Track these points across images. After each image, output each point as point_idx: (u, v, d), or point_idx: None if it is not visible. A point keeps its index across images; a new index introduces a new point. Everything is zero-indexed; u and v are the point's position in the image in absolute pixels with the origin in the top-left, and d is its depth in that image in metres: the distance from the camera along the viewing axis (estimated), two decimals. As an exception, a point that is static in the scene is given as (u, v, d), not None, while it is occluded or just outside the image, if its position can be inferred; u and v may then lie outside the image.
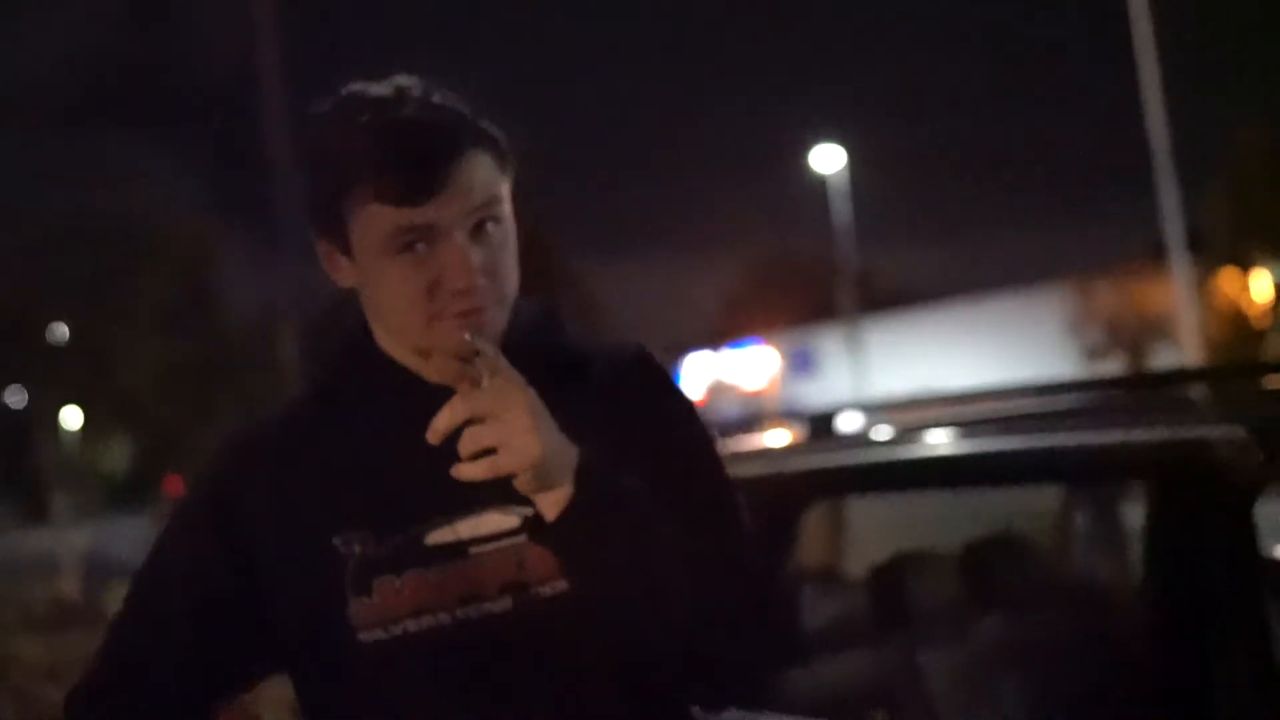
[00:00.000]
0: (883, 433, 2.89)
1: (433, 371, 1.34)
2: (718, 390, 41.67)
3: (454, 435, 1.25)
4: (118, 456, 31.21)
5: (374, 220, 1.27)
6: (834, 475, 2.75)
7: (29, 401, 34.37)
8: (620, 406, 1.36)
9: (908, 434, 2.78)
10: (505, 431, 1.20)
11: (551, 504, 1.24)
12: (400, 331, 1.33)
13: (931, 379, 35.01)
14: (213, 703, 1.42)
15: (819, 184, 30.47)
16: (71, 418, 33.16)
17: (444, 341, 1.29)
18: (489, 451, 1.21)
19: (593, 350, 1.43)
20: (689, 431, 1.43)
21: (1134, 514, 2.86)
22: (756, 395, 41.57)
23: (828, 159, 29.94)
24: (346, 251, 1.32)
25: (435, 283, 1.27)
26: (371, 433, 1.34)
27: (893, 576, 3.09)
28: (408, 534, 1.29)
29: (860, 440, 2.88)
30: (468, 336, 1.26)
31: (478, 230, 1.28)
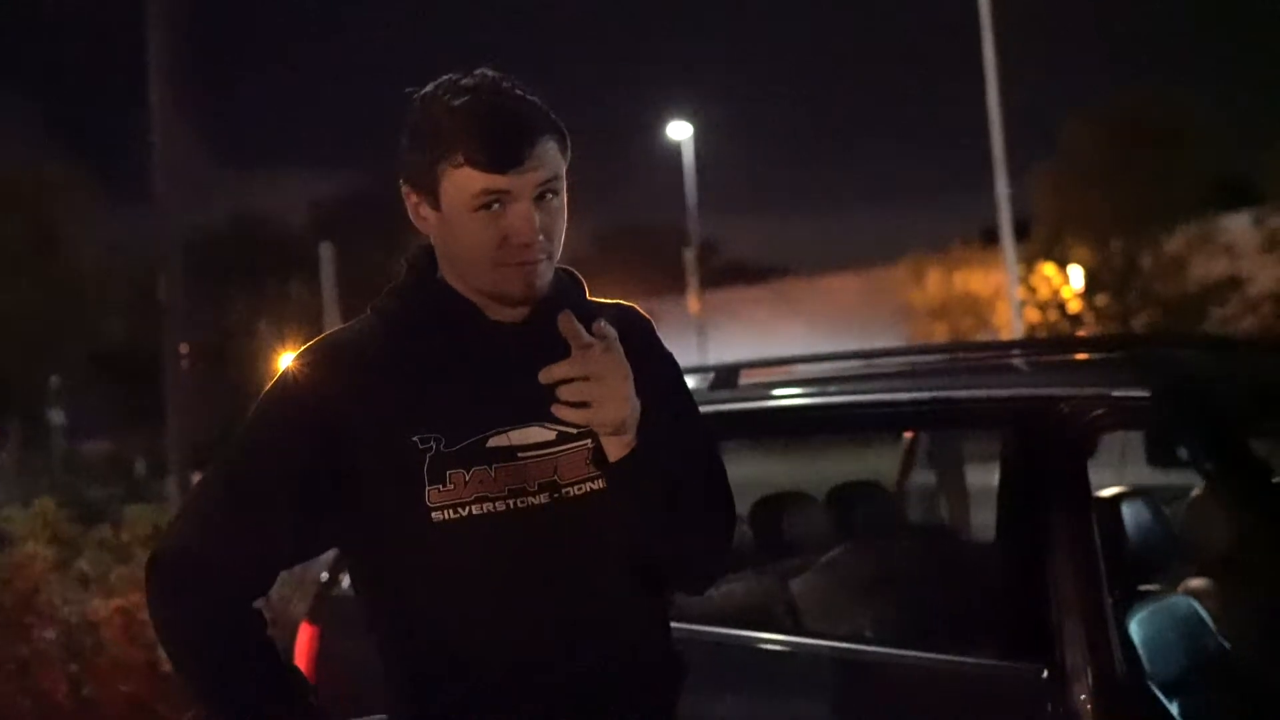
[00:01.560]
0: (768, 386, 3.28)
1: (492, 309, 1.67)
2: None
3: (514, 365, 1.61)
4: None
5: (464, 181, 1.58)
6: (730, 419, 3.14)
7: None
8: (638, 358, 1.63)
9: (792, 386, 3.18)
10: (604, 394, 1.54)
11: (617, 448, 1.60)
12: (469, 274, 1.65)
13: (766, 352, 35.90)
14: (275, 574, 1.72)
15: (672, 155, 30.90)
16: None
17: (504, 286, 1.62)
18: (584, 404, 1.54)
19: (609, 309, 1.77)
20: (682, 382, 1.85)
21: (981, 456, 3.31)
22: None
23: (679, 130, 30.40)
24: (435, 206, 1.63)
25: (504, 237, 1.59)
26: (442, 353, 1.65)
27: (771, 511, 3.52)
28: (473, 438, 1.61)
29: (750, 392, 3.26)
30: (602, 323, 1.56)
31: (540, 199, 1.60)
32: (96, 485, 17.73)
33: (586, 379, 1.54)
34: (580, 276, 1.80)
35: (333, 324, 17.83)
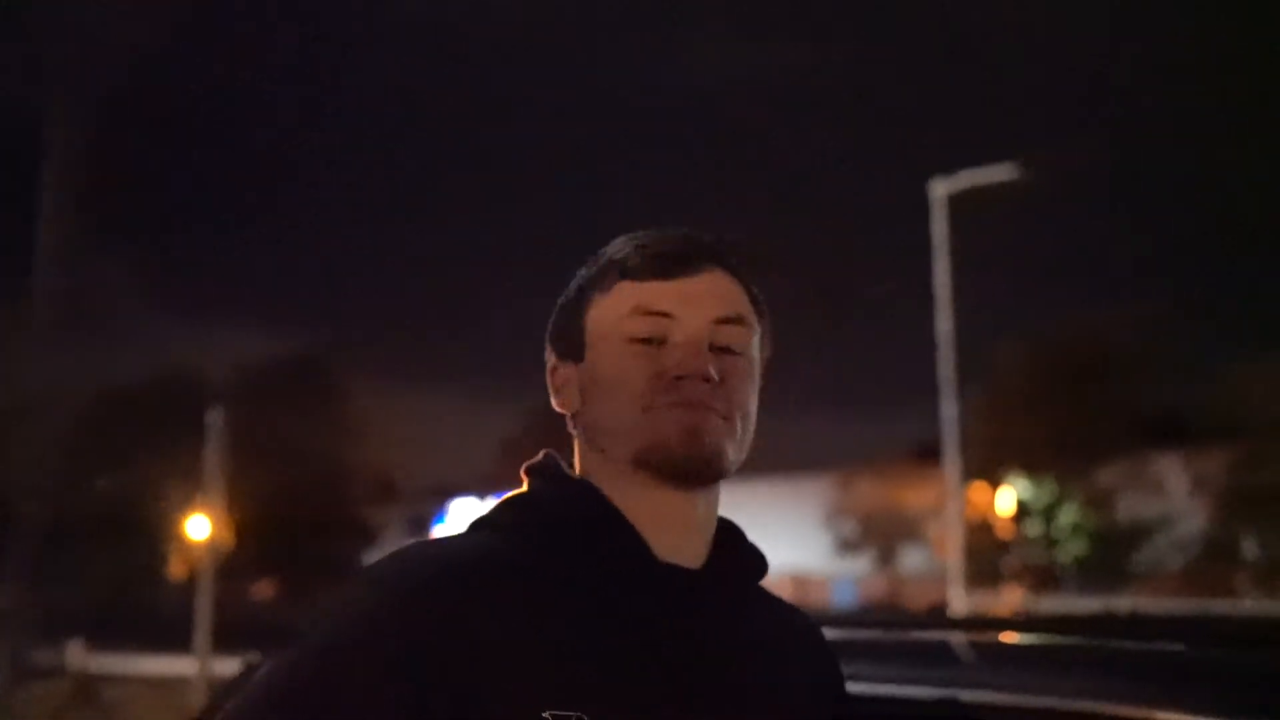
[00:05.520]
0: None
1: (661, 545, 1.20)
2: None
3: (685, 631, 1.17)
4: None
5: (614, 303, 1.22)
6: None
7: None
8: (829, 687, 1.33)
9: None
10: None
11: None
12: (615, 434, 1.21)
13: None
14: None
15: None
16: None
17: (657, 434, 1.17)
18: None
19: (786, 607, 1.36)
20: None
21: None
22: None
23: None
24: (578, 355, 1.24)
25: (661, 371, 1.18)
26: (586, 594, 1.17)
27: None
28: None
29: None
30: None
31: (721, 351, 1.20)
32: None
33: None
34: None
35: (215, 493, 16.71)
